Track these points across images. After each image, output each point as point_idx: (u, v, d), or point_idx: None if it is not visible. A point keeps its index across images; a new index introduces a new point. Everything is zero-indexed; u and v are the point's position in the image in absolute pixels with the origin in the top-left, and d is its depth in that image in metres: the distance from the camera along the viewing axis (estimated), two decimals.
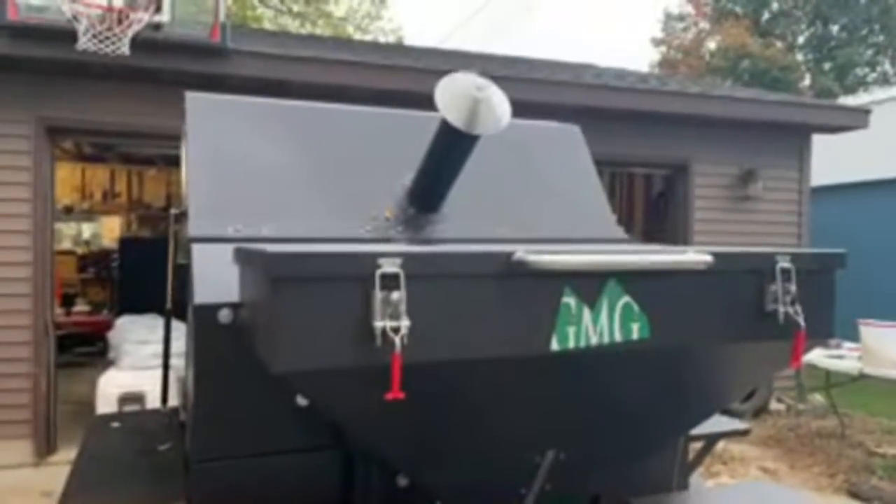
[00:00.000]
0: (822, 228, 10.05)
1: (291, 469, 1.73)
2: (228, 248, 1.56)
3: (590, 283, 1.39)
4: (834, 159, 10.63)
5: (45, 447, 5.29)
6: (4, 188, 5.18)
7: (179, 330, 3.45)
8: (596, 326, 1.40)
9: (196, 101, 2.20)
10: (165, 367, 2.72)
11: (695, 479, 2.41)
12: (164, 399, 2.69)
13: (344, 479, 1.77)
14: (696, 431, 2.28)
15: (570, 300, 1.37)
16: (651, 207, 9.76)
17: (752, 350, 1.64)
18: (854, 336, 5.37)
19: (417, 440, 1.53)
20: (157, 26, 4.98)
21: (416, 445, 1.54)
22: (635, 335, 1.44)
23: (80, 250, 10.99)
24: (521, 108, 2.20)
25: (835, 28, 24.18)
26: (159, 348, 5.13)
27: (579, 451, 1.67)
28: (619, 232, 2.55)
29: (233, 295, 1.56)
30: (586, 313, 1.39)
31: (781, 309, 1.56)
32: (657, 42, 25.56)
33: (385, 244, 1.86)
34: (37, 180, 5.23)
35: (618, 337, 1.42)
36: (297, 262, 1.18)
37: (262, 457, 1.70)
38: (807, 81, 22.47)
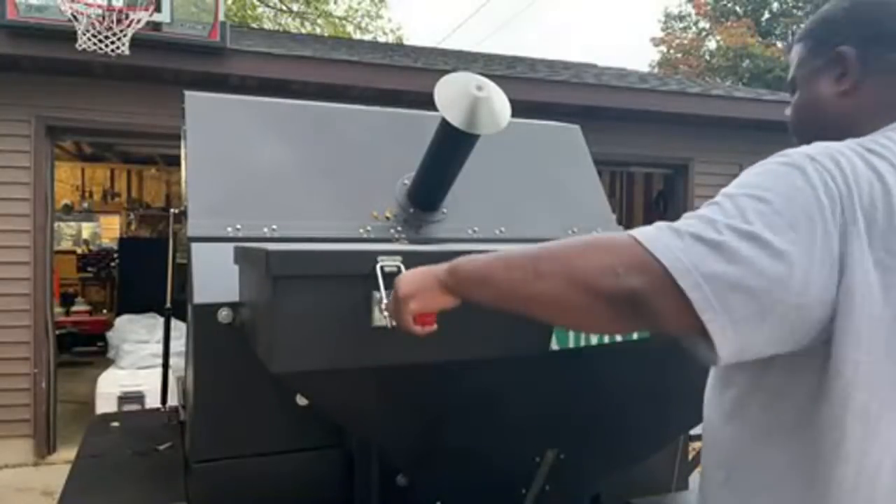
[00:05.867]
0: None
1: (291, 469, 1.73)
2: (228, 248, 1.56)
3: None
4: None
5: (45, 447, 5.28)
6: (4, 188, 5.18)
7: (179, 330, 3.46)
8: None
9: (195, 101, 2.19)
10: (165, 366, 2.72)
11: (695, 479, 2.41)
12: (164, 399, 2.69)
13: (344, 479, 1.77)
14: (696, 431, 2.28)
15: None
16: (651, 207, 9.76)
17: None
18: None
19: (417, 440, 1.53)
20: (157, 26, 4.99)
21: (416, 445, 1.54)
22: (635, 335, 1.44)
23: (79, 250, 11.01)
24: (521, 108, 2.20)
25: None
26: (159, 348, 5.14)
27: (579, 451, 1.67)
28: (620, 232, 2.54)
29: (233, 294, 1.56)
30: None
31: None
32: (657, 42, 25.54)
33: (385, 243, 1.86)
34: (36, 180, 5.23)
35: (617, 336, 1.42)
36: (297, 260, 1.18)
37: (262, 457, 1.70)
38: None
